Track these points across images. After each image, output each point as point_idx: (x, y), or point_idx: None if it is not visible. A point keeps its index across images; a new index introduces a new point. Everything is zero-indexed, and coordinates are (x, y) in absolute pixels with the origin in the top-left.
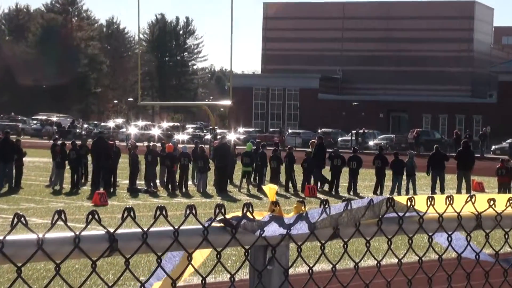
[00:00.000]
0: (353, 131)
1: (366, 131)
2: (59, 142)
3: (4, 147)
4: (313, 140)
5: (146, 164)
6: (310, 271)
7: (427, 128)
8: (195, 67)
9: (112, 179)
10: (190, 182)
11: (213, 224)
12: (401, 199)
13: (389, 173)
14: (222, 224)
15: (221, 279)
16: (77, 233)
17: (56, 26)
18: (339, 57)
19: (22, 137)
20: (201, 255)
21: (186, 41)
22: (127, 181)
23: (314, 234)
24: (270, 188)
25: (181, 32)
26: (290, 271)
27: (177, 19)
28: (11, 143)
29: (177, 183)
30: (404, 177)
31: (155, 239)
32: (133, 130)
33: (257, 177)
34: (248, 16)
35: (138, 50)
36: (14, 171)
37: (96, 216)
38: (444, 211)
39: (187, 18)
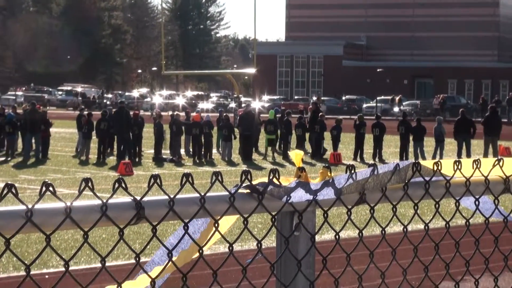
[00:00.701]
0: (389, 97)
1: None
2: (85, 112)
3: (31, 118)
4: (310, 107)
5: (171, 134)
6: (337, 236)
7: (452, 93)
8: (218, 35)
9: (137, 149)
10: (214, 151)
11: (240, 190)
12: (428, 163)
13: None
14: (248, 191)
15: (248, 247)
16: (104, 201)
17: None
18: (363, 24)
19: (47, 108)
20: (227, 222)
21: (209, 9)
22: (152, 151)
23: (340, 200)
24: (296, 154)
25: (203, 0)
26: (317, 238)
27: None
28: (37, 114)
29: (202, 152)
30: (430, 143)
31: (182, 206)
32: (157, 99)
33: (282, 145)
34: None
35: (161, 19)
36: (40, 142)
37: (122, 184)
38: (471, 175)
39: None
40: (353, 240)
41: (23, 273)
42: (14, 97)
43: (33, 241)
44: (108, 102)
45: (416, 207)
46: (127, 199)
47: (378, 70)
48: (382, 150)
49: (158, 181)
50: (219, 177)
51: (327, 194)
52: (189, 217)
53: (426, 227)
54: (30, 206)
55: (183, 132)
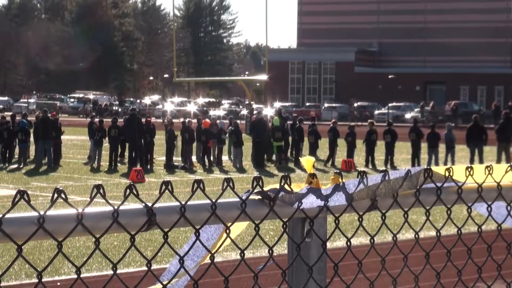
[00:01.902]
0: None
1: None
2: (97, 119)
3: (43, 125)
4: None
5: (182, 141)
6: (348, 243)
7: (465, 100)
8: (230, 42)
9: (148, 156)
10: (226, 158)
11: (251, 197)
12: (439, 169)
13: (424, 146)
14: (259, 197)
15: (259, 254)
16: (116, 207)
17: (91, 3)
18: (375, 30)
19: (59, 115)
20: (237, 229)
21: (221, 17)
22: (164, 158)
23: (351, 206)
24: (307, 160)
25: (215, 7)
26: (328, 245)
27: None
28: (49, 122)
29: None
30: (443, 150)
31: (193, 212)
32: (169, 106)
33: (293, 152)
34: None
35: (173, 26)
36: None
37: (134, 191)
38: (484, 181)
39: None
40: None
41: (35, 280)
42: (26, 105)
43: (45, 248)
44: (119, 109)
45: (427, 214)
46: (139, 205)
47: (390, 76)
48: (394, 156)
49: (169, 187)
50: (230, 183)
51: (339, 200)
52: (201, 223)
53: (438, 234)
54: (42, 213)
55: (195, 139)
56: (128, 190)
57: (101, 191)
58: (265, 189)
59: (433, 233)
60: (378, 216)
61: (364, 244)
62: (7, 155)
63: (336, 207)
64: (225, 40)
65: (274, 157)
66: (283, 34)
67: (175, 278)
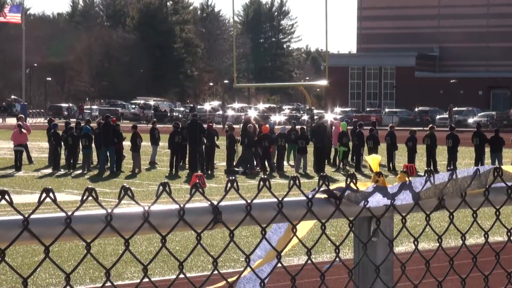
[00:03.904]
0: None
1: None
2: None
3: (105, 131)
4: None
5: (242, 146)
6: (415, 242)
7: None
8: (290, 48)
9: (209, 161)
10: (285, 163)
11: (317, 195)
12: (509, 168)
13: (488, 151)
14: (326, 196)
15: (322, 259)
16: (182, 205)
17: (152, 10)
18: (436, 34)
19: (121, 121)
20: (303, 229)
21: (281, 22)
22: (225, 163)
23: (418, 205)
24: (373, 159)
25: (275, 13)
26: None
27: (272, 0)
28: (111, 128)
29: (274, 164)
30: (508, 155)
31: (259, 210)
32: (229, 112)
33: (354, 157)
34: None
35: (233, 32)
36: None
37: (200, 189)
38: None
39: None
40: (427, 252)
41: (99, 284)
42: (89, 111)
43: (109, 254)
44: (180, 115)
45: (498, 213)
46: (205, 203)
47: (451, 81)
48: (456, 161)
49: (235, 185)
50: (297, 182)
51: (405, 199)
52: (266, 222)
53: (509, 234)
54: (109, 211)
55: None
56: (193, 188)
57: (167, 188)
58: (331, 187)
59: (501, 236)
60: (442, 220)
61: (427, 249)
62: (72, 161)
63: (403, 206)
64: (285, 46)
65: (337, 162)
66: (343, 39)
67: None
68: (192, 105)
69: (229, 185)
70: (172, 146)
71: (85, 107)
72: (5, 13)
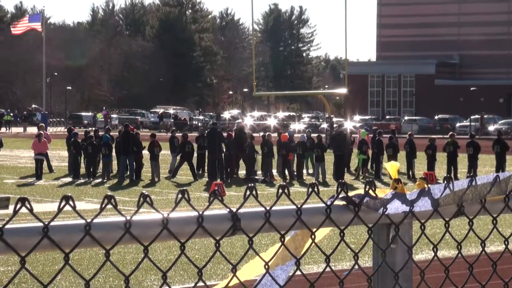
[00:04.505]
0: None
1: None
2: (177, 134)
3: (124, 140)
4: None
5: (262, 154)
6: (435, 248)
7: None
8: (309, 56)
9: (229, 169)
10: (306, 171)
11: (336, 202)
12: None
13: (510, 159)
14: (344, 202)
15: (341, 267)
16: (201, 212)
17: (172, 19)
18: (456, 42)
19: (141, 130)
20: (319, 234)
21: (300, 31)
22: (244, 172)
23: (437, 212)
24: (392, 165)
25: (294, 21)
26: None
27: (291, 8)
28: (130, 136)
29: (294, 172)
30: None
31: (278, 217)
32: (248, 120)
33: (373, 165)
34: (362, 3)
35: (252, 40)
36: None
37: (218, 197)
38: None
39: (300, 7)
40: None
41: None
42: (109, 120)
43: (128, 262)
44: (199, 124)
45: None
46: (223, 211)
47: (471, 88)
48: (477, 169)
49: (254, 192)
50: (315, 189)
51: (424, 205)
52: (285, 229)
53: None
54: (128, 218)
55: (275, 152)
56: (212, 196)
57: (186, 196)
58: (350, 194)
59: None
60: (461, 229)
61: (446, 257)
62: (91, 170)
63: (422, 213)
64: (304, 54)
65: (356, 171)
66: (362, 47)
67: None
68: (216, 113)
69: (248, 192)
70: (182, 154)
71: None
72: (18, 24)
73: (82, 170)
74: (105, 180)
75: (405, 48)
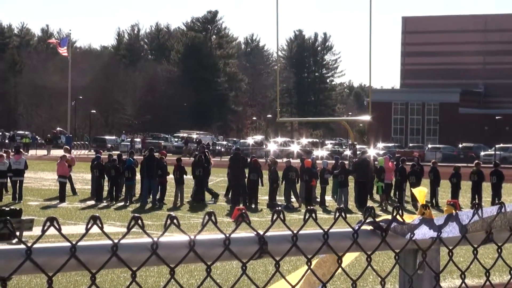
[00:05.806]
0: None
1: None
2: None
3: (148, 164)
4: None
5: (286, 180)
6: (463, 276)
7: None
8: (333, 82)
9: (252, 195)
10: (329, 198)
11: (363, 227)
12: None
13: None
14: (371, 227)
15: None
16: (227, 234)
17: (197, 44)
18: (481, 71)
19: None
20: (346, 259)
21: (324, 57)
22: (267, 197)
23: (466, 238)
24: (419, 191)
25: (319, 48)
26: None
27: (315, 35)
28: (154, 160)
29: (317, 198)
30: None
31: (305, 241)
32: (272, 146)
33: (397, 193)
34: (386, 31)
35: (277, 67)
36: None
37: (246, 220)
38: None
39: (324, 34)
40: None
41: None
42: (130, 143)
43: (150, 286)
44: (222, 149)
45: None
46: (250, 234)
47: (496, 117)
48: (501, 198)
49: (281, 216)
50: (342, 213)
51: (452, 231)
52: (312, 253)
53: None
54: (155, 239)
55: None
56: (239, 219)
57: (213, 217)
58: (378, 219)
59: None
60: (489, 255)
61: (471, 285)
62: (114, 193)
63: (450, 239)
64: (328, 80)
65: (378, 198)
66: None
67: None
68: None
69: (275, 216)
70: (194, 177)
71: (127, 139)
72: (58, 42)
73: (105, 193)
74: (127, 204)
75: (429, 76)
